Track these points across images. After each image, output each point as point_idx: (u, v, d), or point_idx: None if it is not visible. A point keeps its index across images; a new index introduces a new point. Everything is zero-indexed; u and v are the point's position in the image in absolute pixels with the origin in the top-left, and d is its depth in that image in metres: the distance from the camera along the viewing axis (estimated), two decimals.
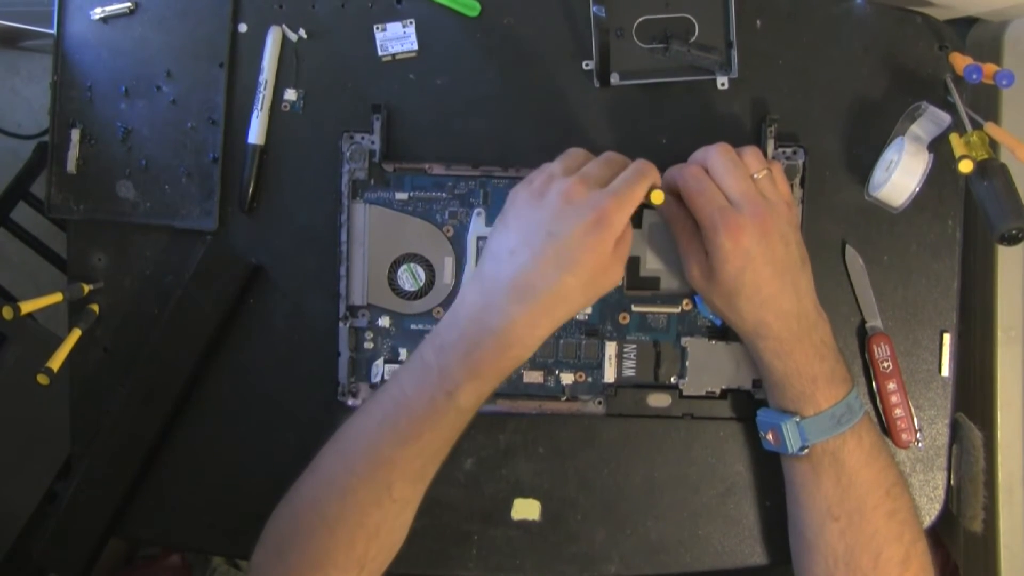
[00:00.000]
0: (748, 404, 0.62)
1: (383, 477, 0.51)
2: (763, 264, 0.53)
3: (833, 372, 0.55)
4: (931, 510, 0.63)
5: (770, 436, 0.57)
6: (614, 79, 0.62)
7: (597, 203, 0.49)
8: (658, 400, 0.62)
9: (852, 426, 0.55)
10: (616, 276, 0.52)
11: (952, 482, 0.64)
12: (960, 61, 0.58)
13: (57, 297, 0.61)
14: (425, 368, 0.51)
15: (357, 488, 0.51)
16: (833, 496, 0.55)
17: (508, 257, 0.51)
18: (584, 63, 0.62)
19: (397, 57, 0.63)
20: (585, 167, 0.53)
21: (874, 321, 0.62)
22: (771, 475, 0.63)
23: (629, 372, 0.62)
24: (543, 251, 0.50)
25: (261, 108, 0.62)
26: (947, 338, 0.63)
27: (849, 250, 0.62)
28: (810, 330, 0.55)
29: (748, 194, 0.53)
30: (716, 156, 0.55)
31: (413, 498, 0.54)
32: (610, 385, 0.62)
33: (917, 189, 0.58)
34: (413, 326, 0.62)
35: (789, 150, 0.61)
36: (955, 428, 0.63)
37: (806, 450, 0.55)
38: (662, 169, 0.58)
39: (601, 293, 0.53)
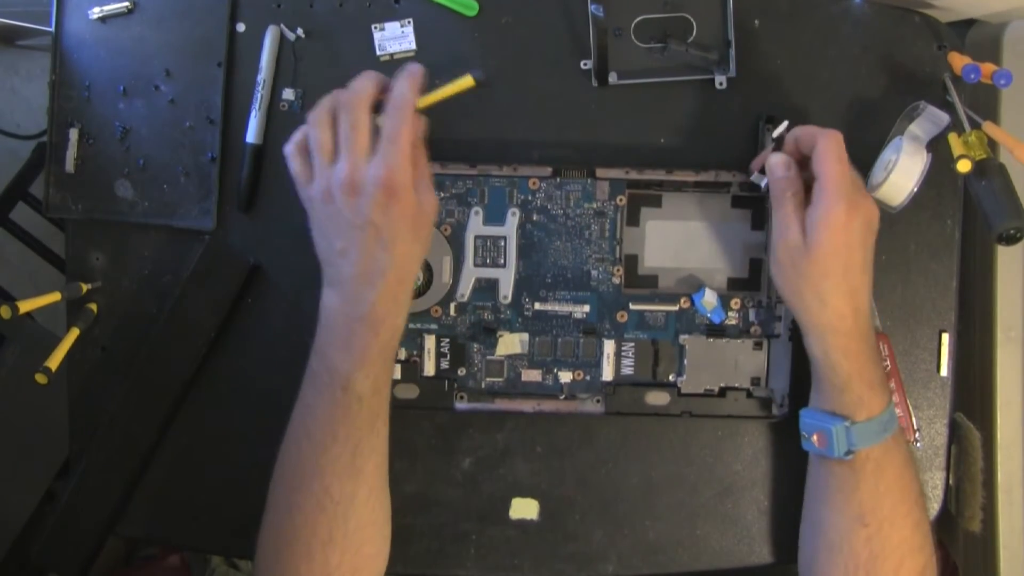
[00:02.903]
0: (747, 402, 0.62)
1: (317, 484, 0.53)
2: (859, 250, 0.53)
3: (884, 378, 0.55)
4: (930, 510, 0.63)
5: (815, 439, 0.55)
6: (612, 78, 0.62)
7: (375, 180, 0.50)
8: (656, 398, 0.62)
9: (894, 433, 0.54)
10: (430, 204, 0.53)
11: (951, 482, 0.63)
12: (958, 61, 0.58)
13: (55, 296, 0.61)
14: (315, 376, 0.54)
15: (298, 502, 0.54)
16: (868, 503, 0.54)
17: (339, 257, 0.52)
18: (582, 62, 0.62)
19: (395, 56, 0.63)
20: (342, 149, 0.51)
21: (873, 320, 0.62)
22: (769, 475, 0.63)
23: (627, 370, 0.62)
24: (363, 242, 0.51)
25: (259, 107, 0.62)
26: (946, 338, 0.63)
27: None
28: (870, 333, 0.54)
29: (861, 183, 0.54)
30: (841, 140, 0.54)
31: (356, 494, 0.54)
32: (608, 383, 0.62)
33: (916, 189, 0.58)
34: (411, 325, 0.62)
35: None
36: (954, 428, 0.63)
37: (851, 455, 0.54)
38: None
39: (430, 227, 0.54)
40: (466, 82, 0.55)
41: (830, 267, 0.52)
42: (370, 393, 0.53)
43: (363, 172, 0.50)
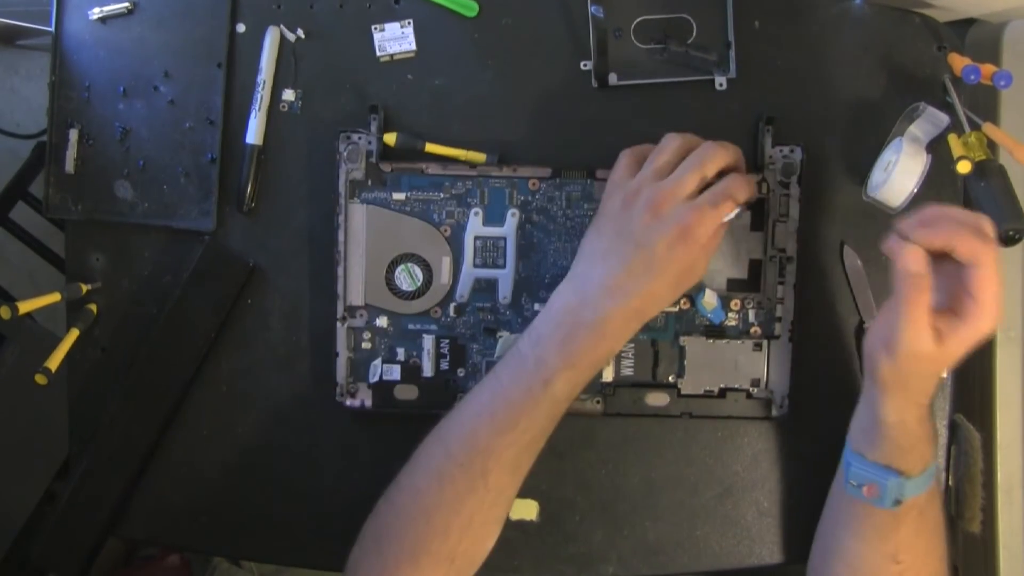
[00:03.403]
0: (747, 403, 0.62)
1: (480, 465, 0.53)
2: None
3: (936, 428, 0.55)
4: None
5: (866, 490, 0.53)
6: (612, 79, 0.62)
7: (682, 218, 0.51)
8: (656, 399, 0.62)
9: (935, 479, 0.54)
10: (701, 270, 0.54)
11: (951, 483, 0.63)
12: (958, 62, 0.58)
13: (55, 297, 0.61)
14: (522, 359, 0.54)
15: (455, 475, 0.53)
16: (904, 543, 0.54)
17: (600, 259, 0.54)
18: (582, 63, 0.62)
19: (395, 57, 0.63)
20: (675, 174, 0.53)
21: (872, 321, 0.62)
22: (769, 476, 0.63)
23: (627, 371, 0.62)
24: (631, 259, 0.52)
25: (259, 108, 0.62)
26: None
27: (847, 250, 0.62)
28: None
29: None
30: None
31: (507, 488, 0.55)
32: (608, 384, 0.62)
33: (915, 190, 0.58)
34: (411, 326, 0.62)
35: (787, 149, 0.61)
36: (954, 429, 0.63)
37: (899, 505, 0.53)
38: None
39: (688, 287, 0.54)
40: (478, 157, 0.61)
41: (955, 358, 0.50)
42: (564, 397, 0.54)
43: (675, 204, 0.52)
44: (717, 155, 0.54)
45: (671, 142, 0.55)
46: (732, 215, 0.53)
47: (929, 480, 0.53)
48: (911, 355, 0.49)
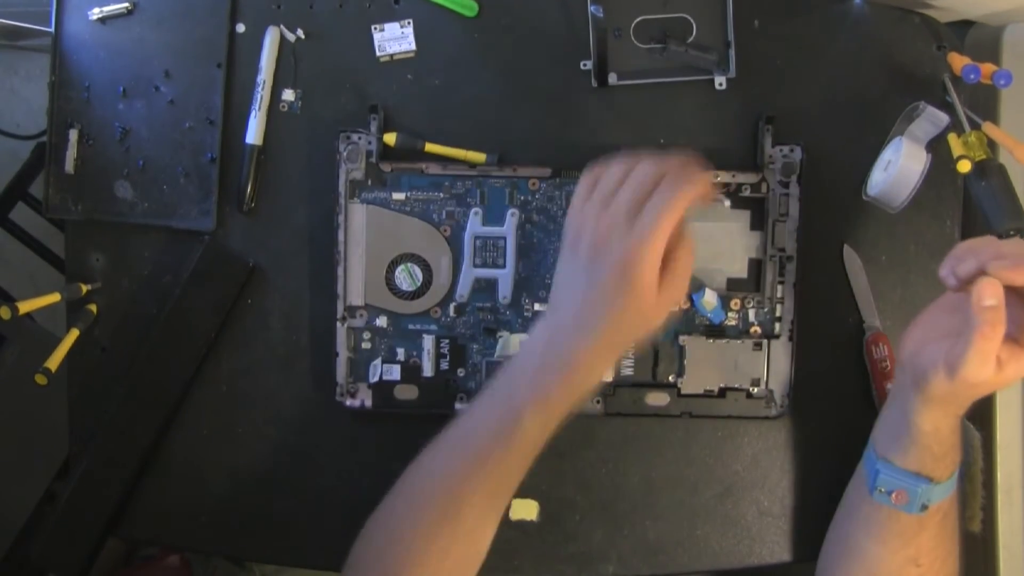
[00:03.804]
0: (747, 403, 0.62)
1: (455, 495, 0.52)
2: None
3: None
4: None
5: (895, 496, 0.54)
6: (612, 79, 0.62)
7: (620, 255, 0.49)
8: (656, 399, 0.62)
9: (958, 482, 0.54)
10: (662, 308, 0.51)
11: None
12: (958, 61, 0.58)
13: (55, 297, 0.61)
14: (495, 392, 0.53)
15: (430, 505, 0.53)
16: (926, 546, 0.54)
17: (566, 291, 0.53)
18: (582, 63, 0.62)
19: (395, 57, 0.63)
20: (615, 202, 0.50)
21: (872, 321, 0.62)
22: (769, 475, 0.63)
23: (627, 371, 0.62)
24: (588, 295, 0.51)
25: (259, 108, 0.62)
26: None
27: (847, 250, 0.62)
28: None
29: None
30: None
31: (484, 519, 0.54)
32: (608, 384, 0.62)
33: (915, 189, 0.58)
34: (410, 326, 0.62)
35: (787, 148, 0.61)
36: None
37: (926, 509, 0.53)
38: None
39: (659, 321, 0.51)
40: (478, 157, 0.61)
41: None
42: (534, 433, 0.52)
43: (613, 236, 0.49)
44: (649, 171, 0.50)
45: (613, 169, 0.52)
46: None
47: (954, 484, 0.54)
48: (971, 381, 0.49)
